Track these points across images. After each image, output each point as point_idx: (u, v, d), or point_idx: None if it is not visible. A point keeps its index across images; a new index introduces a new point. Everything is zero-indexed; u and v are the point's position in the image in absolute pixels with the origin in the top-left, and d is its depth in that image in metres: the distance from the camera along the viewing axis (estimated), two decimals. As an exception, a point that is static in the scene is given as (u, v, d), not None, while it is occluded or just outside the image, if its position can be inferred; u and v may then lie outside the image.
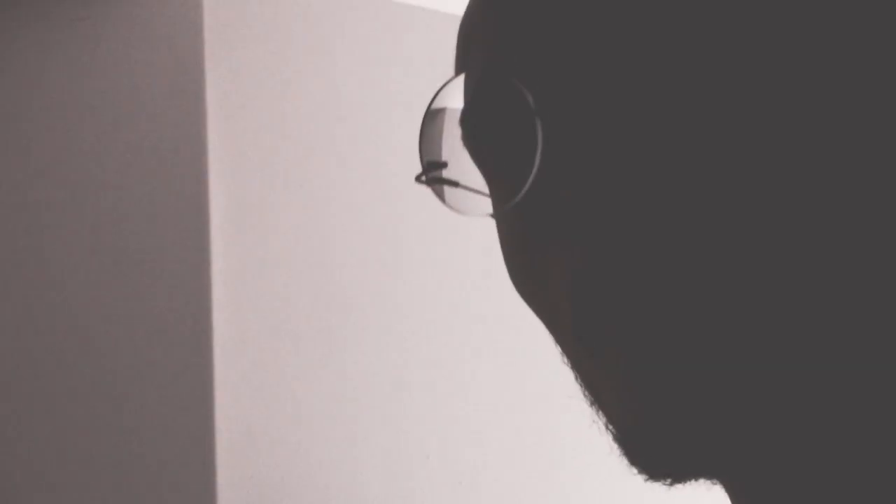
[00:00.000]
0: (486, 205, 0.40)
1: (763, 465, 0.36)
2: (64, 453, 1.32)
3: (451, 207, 0.40)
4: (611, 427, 0.37)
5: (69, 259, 1.35)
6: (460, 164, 0.40)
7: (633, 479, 0.37)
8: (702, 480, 0.37)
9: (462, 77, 0.39)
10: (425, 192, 0.40)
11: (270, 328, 1.44)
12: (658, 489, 0.37)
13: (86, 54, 1.37)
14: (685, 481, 0.36)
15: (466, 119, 0.39)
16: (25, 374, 1.33)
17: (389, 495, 1.49)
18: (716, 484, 0.38)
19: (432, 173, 0.40)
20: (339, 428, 1.47)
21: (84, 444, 1.33)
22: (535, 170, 0.34)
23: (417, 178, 0.40)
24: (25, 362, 1.33)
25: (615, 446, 0.37)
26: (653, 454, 0.35)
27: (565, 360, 0.40)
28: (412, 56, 1.56)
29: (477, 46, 0.39)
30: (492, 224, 0.42)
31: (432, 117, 0.39)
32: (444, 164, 0.40)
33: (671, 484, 0.36)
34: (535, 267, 0.37)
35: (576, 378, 0.39)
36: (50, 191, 1.36)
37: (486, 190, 0.40)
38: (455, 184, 0.40)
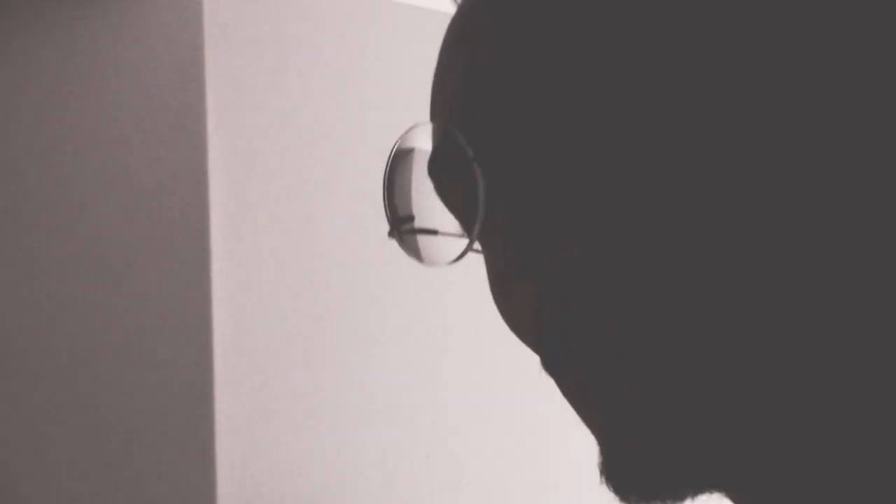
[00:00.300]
0: (462, 246, 0.39)
1: (766, 472, 0.35)
2: (64, 453, 1.32)
3: (425, 260, 0.39)
4: (612, 441, 0.37)
5: (69, 259, 1.35)
6: (432, 211, 0.39)
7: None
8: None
9: (423, 126, 0.38)
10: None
11: (270, 328, 1.44)
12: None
13: (85, 54, 1.37)
14: (687, 497, 0.35)
15: (434, 168, 0.39)
16: (25, 374, 1.33)
17: (389, 495, 1.49)
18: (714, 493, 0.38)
19: (407, 226, 0.39)
20: (338, 428, 1.47)
21: (84, 444, 1.33)
22: (482, 207, 0.34)
23: (391, 234, 0.39)
24: (25, 362, 1.33)
25: (608, 465, 0.37)
26: (658, 465, 0.35)
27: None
28: (412, 56, 1.56)
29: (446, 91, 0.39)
30: None
31: (395, 169, 0.39)
32: (414, 217, 0.39)
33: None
34: (531, 267, 0.37)
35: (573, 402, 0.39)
36: (49, 190, 1.36)
37: (460, 231, 0.40)
38: (434, 232, 0.39)
